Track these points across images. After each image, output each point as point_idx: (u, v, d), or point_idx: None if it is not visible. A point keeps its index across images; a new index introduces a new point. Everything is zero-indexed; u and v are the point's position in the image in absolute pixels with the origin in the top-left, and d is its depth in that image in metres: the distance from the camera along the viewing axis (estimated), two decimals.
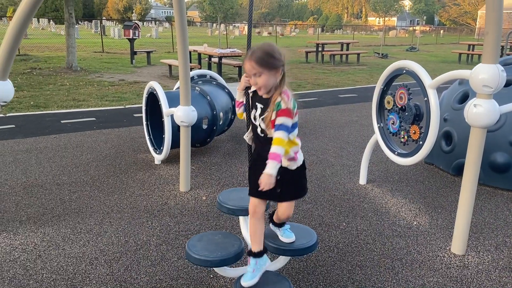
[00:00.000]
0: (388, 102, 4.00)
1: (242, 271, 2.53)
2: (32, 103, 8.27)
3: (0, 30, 21.11)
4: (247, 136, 2.44)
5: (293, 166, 2.29)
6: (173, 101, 4.58)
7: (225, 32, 28.63)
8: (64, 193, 4.13)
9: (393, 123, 3.97)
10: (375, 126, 4.18)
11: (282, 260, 2.67)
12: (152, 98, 5.14)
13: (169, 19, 58.10)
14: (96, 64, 15.01)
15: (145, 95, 5.25)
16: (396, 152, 3.88)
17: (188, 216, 3.71)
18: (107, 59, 16.82)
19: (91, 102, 8.55)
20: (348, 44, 19.61)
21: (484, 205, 4.04)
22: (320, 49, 18.09)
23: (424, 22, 46.85)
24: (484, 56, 2.81)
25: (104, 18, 59.86)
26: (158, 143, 5.13)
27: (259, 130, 2.26)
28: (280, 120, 2.10)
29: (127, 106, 8.31)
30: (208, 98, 5.26)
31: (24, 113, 7.45)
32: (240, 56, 12.96)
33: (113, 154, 5.34)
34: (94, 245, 3.19)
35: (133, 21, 21.56)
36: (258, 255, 2.32)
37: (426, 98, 3.42)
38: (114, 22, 53.37)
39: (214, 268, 2.60)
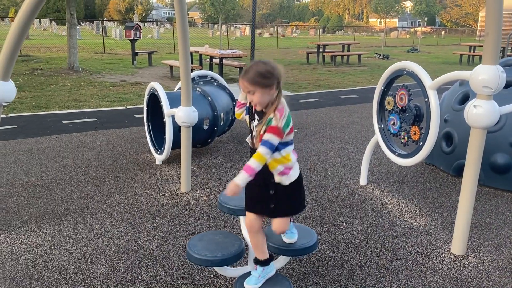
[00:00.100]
0: (389, 103, 4.01)
1: (243, 270, 2.55)
2: (33, 103, 8.29)
3: (2, 31, 21.16)
4: (249, 140, 2.46)
5: (286, 181, 2.25)
6: (174, 101, 4.59)
7: (226, 33, 28.66)
8: (66, 193, 4.15)
9: (393, 124, 3.98)
10: (376, 127, 4.19)
11: (282, 260, 2.69)
12: (153, 99, 5.16)
13: (170, 20, 58.17)
14: (98, 64, 15.04)
15: (146, 96, 5.27)
16: (397, 153, 3.88)
17: (189, 216, 3.72)
18: (108, 60, 16.85)
19: (92, 103, 8.58)
20: (349, 45, 19.61)
21: (484, 206, 4.04)
22: (321, 50, 18.09)
23: (425, 23, 46.85)
24: (484, 57, 2.82)
25: (105, 19, 59.91)
26: (159, 143, 5.14)
27: (255, 141, 2.28)
28: (266, 136, 2.11)
29: (128, 107, 8.33)
30: (209, 98, 5.28)
31: (26, 114, 7.47)
32: (241, 57, 12.98)
33: (114, 154, 5.36)
34: (95, 245, 3.20)
35: (135, 22, 21.62)
36: (264, 263, 2.35)
37: (426, 99, 3.43)
38: (116, 23, 53.48)
39: (214, 268, 2.61)
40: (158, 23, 58.66)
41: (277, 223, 2.31)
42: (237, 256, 2.43)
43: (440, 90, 3.50)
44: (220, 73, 11.80)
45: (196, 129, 4.74)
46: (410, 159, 3.68)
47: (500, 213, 3.91)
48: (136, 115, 7.47)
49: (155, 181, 4.53)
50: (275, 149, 2.15)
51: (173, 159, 5.08)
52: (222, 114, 5.45)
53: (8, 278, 2.77)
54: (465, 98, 4.82)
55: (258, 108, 2.19)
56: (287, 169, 2.24)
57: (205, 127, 5.28)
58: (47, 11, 54.05)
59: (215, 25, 43.56)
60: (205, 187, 4.37)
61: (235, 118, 5.95)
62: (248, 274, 2.39)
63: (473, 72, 2.85)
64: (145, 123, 5.38)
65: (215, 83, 5.92)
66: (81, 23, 50.40)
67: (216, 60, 12.47)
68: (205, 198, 4.10)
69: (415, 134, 3.72)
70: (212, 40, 30.96)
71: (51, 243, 3.22)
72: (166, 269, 2.91)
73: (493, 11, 2.68)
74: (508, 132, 4.32)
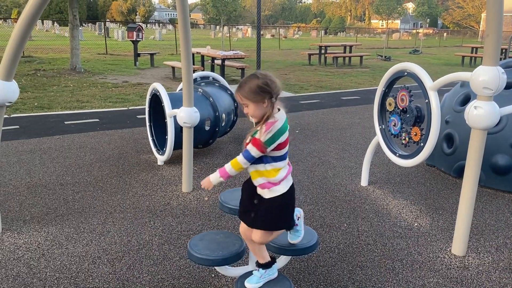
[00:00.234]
0: (390, 104, 4.02)
1: (243, 270, 2.56)
2: (36, 104, 8.33)
3: (5, 32, 21.24)
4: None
5: (266, 195, 2.24)
6: (176, 102, 4.61)
7: (228, 35, 28.69)
8: (68, 193, 4.17)
9: (394, 125, 3.99)
10: (377, 127, 4.20)
11: (283, 260, 2.70)
12: (155, 100, 5.18)
13: (172, 21, 58.31)
14: (100, 65, 15.08)
15: (148, 97, 5.29)
16: (398, 154, 3.89)
17: (190, 216, 3.74)
18: (110, 61, 16.90)
19: (94, 104, 8.61)
20: (351, 46, 19.61)
21: (485, 207, 4.05)
22: (323, 51, 18.11)
23: (427, 24, 46.83)
24: (484, 58, 2.83)
25: (108, 20, 60.04)
26: (161, 144, 5.16)
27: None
28: (248, 146, 2.15)
29: (130, 108, 8.35)
30: (211, 99, 5.29)
31: (28, 114, 7.50)
32: (243, 58, 13.01)
33: (116, 155, 5.38)
34: (97, 245, 3.22)
35: (137, 23, 21.66)
36: (266, 266, 2.36)
37: (427, 100, 3.44)
38: (118, 24, 53.62)
39: (215, 267, 2.63)
40: (160, 24, 58.80)
41: (254, 234, 2.30)
42: (238, 256, 2.45)
43: (441, 92, 3.51)
44: (222, 74, 11.82)
45: (198, 130, 4.76)
46: (411, 160, 3.69)
47: (500, 214, 3.91)
48: (138, 116, 7.50)
49: (157, 181, 4.54)
50: (260, 161, 2.18)
51: (175, 160, 5.10)
52: (223, 115, 5.46)
53: (11, 277, 2.79)
54: (466, 100, 4.83)
55: (253, 120, 2.22)
56: (269, 183, 2.22)
57: (207, 128, 5.29)
58: (50, 12, 54.22)
59: (217, 27, 43.62)
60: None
61: (236, 119, 5.98)
62: (249, 273, 2.41)
63: (473, 73, 2.86)
64: (147, 124, 5.40)
65: (217, 84, 5.94)
66: (84, 24, 50.53)
67: (218, 61, 12.50)
68: (206, 199, 4.12)
69: (416, 135, 3.73)
70: (214, 41, 31.02)
71: (53, 242, 3.24)
72: (168, 269, 2.92)
73: (493, 13, 2.69)
74: (509, 133, 4.33)
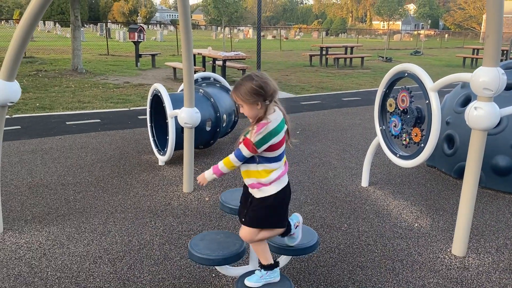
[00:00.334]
0: (390, 105, 4.03)
1: (244, 270, 2.57)
2: (37, 104, 8.35)
3: (7, 33, 21.29)
4: None
5: (256, 194, 2.26)
6: (177, 103, 4.63)
7: (229, 36, 28.73)
8: (69, 193, 4.18)
9: (395, 126, 3.99)
10: (377, 128, 4.21)
11: (283, 260, 2.71)
12: (157, 100, 5.20)
13: (174, 22, 58.42)
14: (101, 66, 15.12)
15: (149, 97, 5.31)
16: (398, 155, 3.90)
17: (191, 216, 3.75)
18: (112, 61, 16.93)
19: (96, 104, 8.63)
20: (352, 47, 19.62)
21: (485, 208, 4.05)
22: (324, 52, 18.11)
23: (428, 26, 46.84)
24: (484, 59, 2.84)
25: (109, 21, 60.17)
26: (162, 144, 5.17)
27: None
28: (240, 146, 2.18)
29: (131, 108, 8.37)
30: (212, 100, 5.31)
31: (30, 115, 7.52)
32: (244, 59, 13.02)
33: (117, 155, 5.39)
34: (98, 244, 3.23)
35: (138, 24, 21.70)
36: (268, 268, 2.37)
37: (427, 101, 3.45)
38: (120, 25, 53.71)
39: (216, 267, 2.63)
40: (162, 25, 58.87)
41: (241, 231, 2.33)
42: (238, 255, 2.46)
43: (441, 93, 3.51)
44: (223, 75, 11.84)
45: (199, 130, 4.78)
46: (411, 161, 3.69)
47: (501, 215, 3.92)
48: (139, 117, 7.52)
49: (158, 181, 4.56)
50: (253, 161, 2.20)
51: (176, 160, 5.11)
52: (224, 116, 5.48)
53: (12, 276, 2.80)
54: (466, 101, 4.83)
55: (250, 120, 2.24)
56: (259, 183, 2.23)
57: (208, 128, 5.31)
58: (52, 13, 54.33)
59: (219, 28, 43.68)
60: (207, 188, 4.39)
61: (237, 119, 5.99)
62: (249, 273, 2.41)
63: (473, 74, 2.87)
64: (148, 124, 5.41)
65: (218, 85, 5.95)
66: (85, 25, 50.63)
67: (219, 62, 12.52)
68: (207, 199, 4.13)
69: (416, 135, 3.73)
70: (215, 42, 31.06)
71: (54, 242, 3.25)
72: (168, 268, 2.93)
73: (493, 14, 2.70)
74: (510, 134, 4.33)
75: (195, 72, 5.58)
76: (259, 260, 2.41)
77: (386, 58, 21.03)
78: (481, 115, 2.85)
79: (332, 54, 18.12)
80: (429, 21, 38.64)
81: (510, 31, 39.33)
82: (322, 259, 3.09)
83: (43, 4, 2.85)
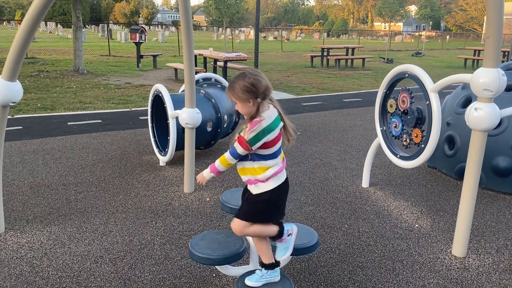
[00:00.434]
0: (391, 106, 4.04)
1: (244, 269, 2.58)
2: (39, 105, 8.37)
3: (9, 33, 21.34)
4: None
5: (253, 190, 2.29)
6: (178, 103, 4.64)
7: (230, 37, 28.76)
8: (70, 193, 4.19)
9: (395, 127, 4.00)
10: (378, 129, 4.22)
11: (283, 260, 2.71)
12: (158, 101, 5.21)
13: (175, 23, 58.46)
14: (103, 67, 15.14)
15: (150, 98, 5.32)
16: (398, 155, 3.91)
17: (192, 216, 3.76)
18: (113, 62, 16.97)
19: (97, 105, 8.65)
20: (353, 49, 19.63)
21: (486, 209, 4.05)
22: (325, 53, 18.12)
23: (430, 27, 46.86)
24: (484, 60, 2.85)
25: (111, 22, 60.27)
26: (163, 145, 5.19)
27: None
28: (235, 144, 2.21)
29: (133, 109, 8.39)
30: (213, 101, 5.32)
31: (31, 115, 7.54)
32: (245, 60, 13.03)
33: (118, 155, 5.41)
34: (99, 244, 3.24)
35: (140, 25, 21.73)
36: (269, 267, 2.38)
37: (428, 102, 3.45)
38: (121, 26, 53.80)
39: (216, 267, 2.64)
40: (163, 26, 58.96)
41: (232, 223, 2.35)
42: (239, 255, 2.46)
43: (442, 94, 3.52)
44: (225, 76, 11.85)
45: (200, 131, 4.79)
46: (412, 162, 3.70)
47: (501, 216, 3.92)
48: (140, 117, 7.53)
49: (159, 182, 4.57)
50: (248, 158, 2.23)
51: (177, 161, 5.12)
52: (225, 117, 5.49)
53: (14, 276, 2.81)
54: (467, 102, 4.83)
55: (245, 117, 2.26)
56: (255, 180, 2.26)
57: (209, 129, 5.32)
58: (53, 14, 54.42)
59: (220, 29, 43.72)
60: (208, 188, 4.40)
61: (238, 120, 6.01)
62: (250, 273, 2.42)
63: (474, 75, 2.88)
64: (149, 125, 5.42)
65: (219, 86, 5.96)
66: (87, 26, 50.74)
67: (221, 63, 12.53)
68: (208, 199, 4.14)
69: (416, 136, 3.74)
70: (216, 43, 31.10)
71: (55, 242, 3.26)
72: (169, 268, 2.94)
73: (493, 15, 2.71)
74: (510, 135, 4.34)
75: (196, 73, 5.60)
76: (259, 259, 2.42)
77: (387, 59, 21.04)
78: (481, 115, 2.86)
79: (333, 55, 18.13)
80: (431, 22, 38.62)
81: (510, 32, 39.29)
82: (322, 259, 3.10)
83: (45, 5, 2.87)
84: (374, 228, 3.61)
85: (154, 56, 15.98)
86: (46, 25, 43.94)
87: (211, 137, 5.42)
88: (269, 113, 2.19)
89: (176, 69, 12.70)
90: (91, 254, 3.10)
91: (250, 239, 2.61)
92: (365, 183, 4.57)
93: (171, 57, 20.06)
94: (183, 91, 5.12)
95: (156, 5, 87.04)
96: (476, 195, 3.09)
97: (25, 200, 4.01)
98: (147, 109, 5.54)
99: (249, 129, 2.14)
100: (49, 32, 39.89)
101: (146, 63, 16.30)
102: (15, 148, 5.57)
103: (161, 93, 4.91)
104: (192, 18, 4.01)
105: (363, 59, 18.07)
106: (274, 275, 2.40)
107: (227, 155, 2.25)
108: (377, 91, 4.24)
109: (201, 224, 3.62)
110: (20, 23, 3.09)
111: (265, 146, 2.19)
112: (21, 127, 6.65)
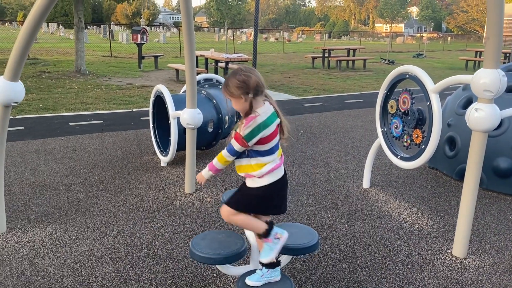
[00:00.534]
0: (392, 107, 4.05)
1: (245, 269, 2.58)
2: (41, 105, 8.39)
3: (11, 34, 21.40)
4: None
5: (249, 183, 2.33)
6: (180, 104, 4.65)
7: (232, 38, 28.81)
8: (72, 193, 4.21)
9: (396, 127, 4.01)
10: (379, 130, 4.22)
11: (284, 259, 2.72)
12: (159, 101, 5.22)
13: (176, 25, 58.53)
14: (104, 68, 15.17)
15: (152, 98, 5.34)
16: (399, 156, 3.91)
17: (193, 216, 3.77)
18: (115, 63, 17.00)
19: (99, 105, 8.67)
20: (354, 50, 19.63)
21: (486, 210, 4.06)
22: (326, 55, 18.13)
23: (431, 28, 46.88)
24: (485, 61, 2.86)
25: (112, 23, 60.36)
26: (164, 145, 5.20)
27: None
28: (231, 141, 2.24)
29: (134, 110, 8.41)
30: (214, 101, 5.33)
31: (33, 116, 7.56)
32: (247, 61, 13.04)
33: (120, 156, 5.42)
34: (101, 244, 3.25)
35: (141, 26, 21.79)
36: (269, 266, 2.39)
37: (428, 103, 3.46)
38: (123, 27, 53.86)
39: (217, 266, 2.65)
40: (165, 27, 59.05)
41: (222, 207, 2.41)
42: (239, 255, 2.47)
43: (443, 95, 3.53)
44: None
45: (201, 131, 4.80)
46: (412, 162, 3.71)
47: (502, 216, 3.92)
48: (141, 118, 7.55)
49: (160, 182, 4.58)
50: (246, 155, 2.25)
51: (178, 161, 5.13)
52: (226, 117, 5.50)
53: (15, 275, 2.82)
54: (468, 103, 4.84)
55: (241, 114, 2.29)
56: (252, 175, 2.29)
57: (210, 129, 5.33)
58: (55, 15, 54.54)
59: (221, 30, 43.77)
60: (209, 189, 4.42)
61: (238, 120, 6.01)
62: (250, 272, 2.43)
63: (474, 76, 2.89)
64: (151, 125, 5.44)
65: (220, 86, 5.97)
66: (89, 27, 50.83)
67: (222, 64, 12.56)
68: (209, 199, 4.15)
69: (417, 137, 3.75)
70: (218, 44, 31.14)
71: (57, 241, 3.27)
72: (170, 268, 2.95)
73: (494, 16, 2.72)
74: (511, 136, 4.34)
75: (198, 73, 5.61)
76: (260, 259, 2.43)
77: (389, 60, 21.04)
78: (481, 116, 2.87)
79: (335, 57, 18.13)
80: (432, 23, 38.66)
81: (508, 33, 39.26)
82: (323, 260, 3.11)
83: (47, 6, 2.88)
84: (375, 228, 3.62)
85: (156, 57, 16.00)
86: (48, 26, 44.06)
87: (212, 138, 5.43)
88: (264, 109, 2.22)
89: (177, 70, 12.73)
90: (93, 253, 3.11)
91: (250, 239, 2.62)
92: (365, 183, 4.57)
93: (172, 58, 20.08)
94: (185, 91, 5.14)
95: (158, 6, 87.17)
96: (477, 196, 3.09)
97: (26, 200, 4.02)
98: (148, 110, 5.55)
99: (245, 125, 2.17)
100: (51, 33, 39.99)
101: (148, 64, 16.33)
102: (17, 148, 5.59)
103: (162, 93, 4.92)
104: (194, 19, 4.03)
105: (364, 60, 18.07)
106: (275, 275, 2.41)
107: (224, 152, 2.28)
108: (378, 92, 4.25)
109: (202, 224, 3.63)
110: (22, 24, 3.11)
111: (262, 142, 2.21)
112: (23, 128, 6.67)
